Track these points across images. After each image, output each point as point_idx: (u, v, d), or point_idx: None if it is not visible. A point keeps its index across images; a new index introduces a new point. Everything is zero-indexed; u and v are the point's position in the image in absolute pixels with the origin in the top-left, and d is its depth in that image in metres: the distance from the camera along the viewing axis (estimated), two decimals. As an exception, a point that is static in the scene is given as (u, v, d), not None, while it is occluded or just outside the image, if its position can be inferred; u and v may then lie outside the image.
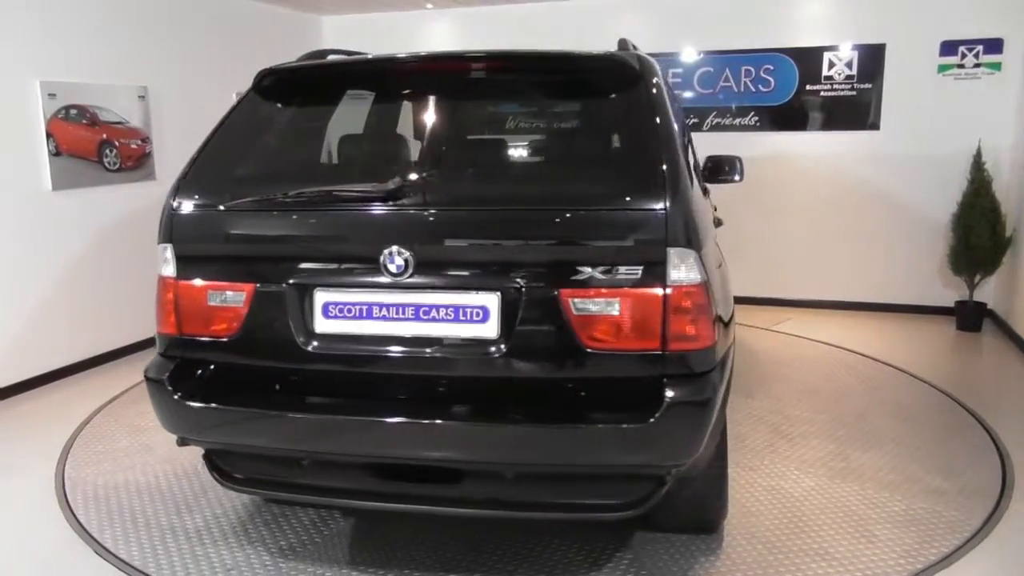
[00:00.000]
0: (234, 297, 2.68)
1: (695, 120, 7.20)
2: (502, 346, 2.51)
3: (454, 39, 7.87)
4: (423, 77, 3.07)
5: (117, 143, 5.70)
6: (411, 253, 2.50)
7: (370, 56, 3.12)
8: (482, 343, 2.53)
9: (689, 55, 7.33)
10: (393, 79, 3.17)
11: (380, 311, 2.59)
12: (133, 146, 5.82)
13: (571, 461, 2.49)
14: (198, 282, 2.72)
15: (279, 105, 3.02)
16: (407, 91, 3.18)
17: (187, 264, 2.75)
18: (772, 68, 7.09)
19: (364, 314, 2.61)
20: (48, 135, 5.18)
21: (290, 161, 3.07)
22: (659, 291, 2.41)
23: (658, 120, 2.62)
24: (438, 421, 2.51)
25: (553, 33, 7.54)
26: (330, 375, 2.70)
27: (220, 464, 2.88)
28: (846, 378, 5.20)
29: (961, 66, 6.52)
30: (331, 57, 3.17)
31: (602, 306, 2.44)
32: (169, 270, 2.76)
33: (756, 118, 7.22)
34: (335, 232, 2.66)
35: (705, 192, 4.09)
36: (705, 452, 2.59)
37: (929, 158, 6.73)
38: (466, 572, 3.04)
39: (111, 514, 3.57)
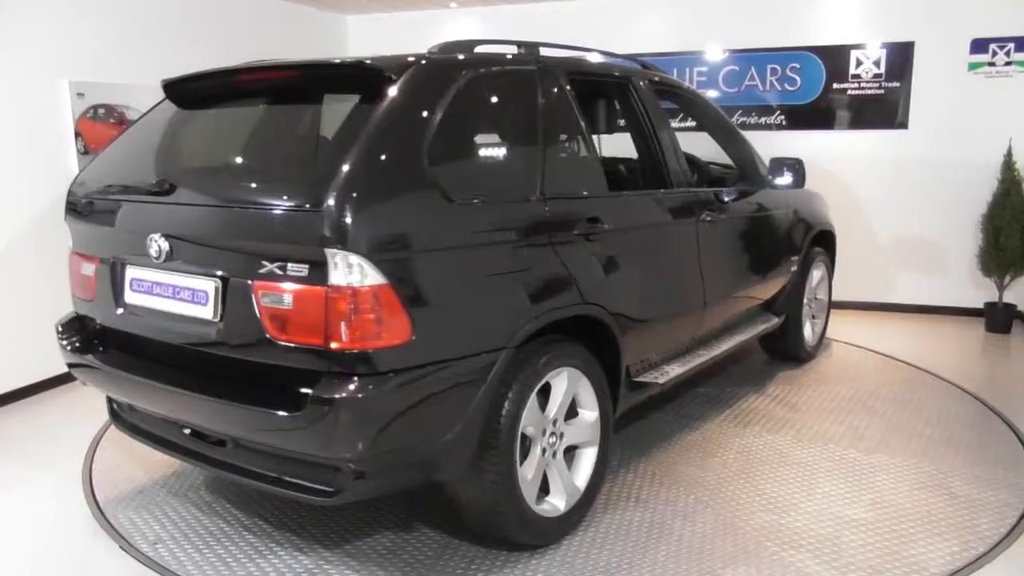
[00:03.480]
0: (88, 268, 3.28)
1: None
2: (215, 328, 2.81)
3: (477, 38, 7.85)
4: (216, 88, 3.34)
5: (144, 142, 5.75)
6: (165, 241, 2.88)
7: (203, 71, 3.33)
8: (204, 323, 2.85)
9: (714, 54, 7.28)
10: (204, 90, 3.39)
11: (155, 288, 3.03)
12: (160, 145, 5.87)
13: (253, 439, 2.81)
14: (77, 254, 3.37)
15: (178, 110, 3.40)
16: (210, 100, 3.41)
17: (75, 239, 3.40)
18: (798, 67, 7.04)
19: (148, 290, 3.06)
20: (77, 134, 5.24)
21: (143, 159, 3.38)
22: (320, 290, 2.52)
23: (373, 124, 2.69)
24: (174, 387, 2.92)
25: (576, 32, 7.51)
26: (131, 337, 3.20)
27: (114, 406, 3.54)
28: (892, 414, 4.57)
29: (992, 64, 6.42)
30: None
31: (280, 300, 2.61)
32: (70, 243, 3.42)
33: (782, 117, 7.16)
34: (127, 220, 3.09)
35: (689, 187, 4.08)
36: (443, 457, 2.79)
37: (958, 157, 6.64)
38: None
39: (138, 511, 3.60)
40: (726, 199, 4.40)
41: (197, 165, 3.28)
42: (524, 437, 3.06)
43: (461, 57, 3.14)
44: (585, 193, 3.42)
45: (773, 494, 3.64)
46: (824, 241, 5.68)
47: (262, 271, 2.62)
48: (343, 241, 2.47)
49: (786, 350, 5.50)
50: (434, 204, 2.73)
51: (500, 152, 3.34)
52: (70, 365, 3.43)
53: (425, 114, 2.81)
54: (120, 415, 3.51)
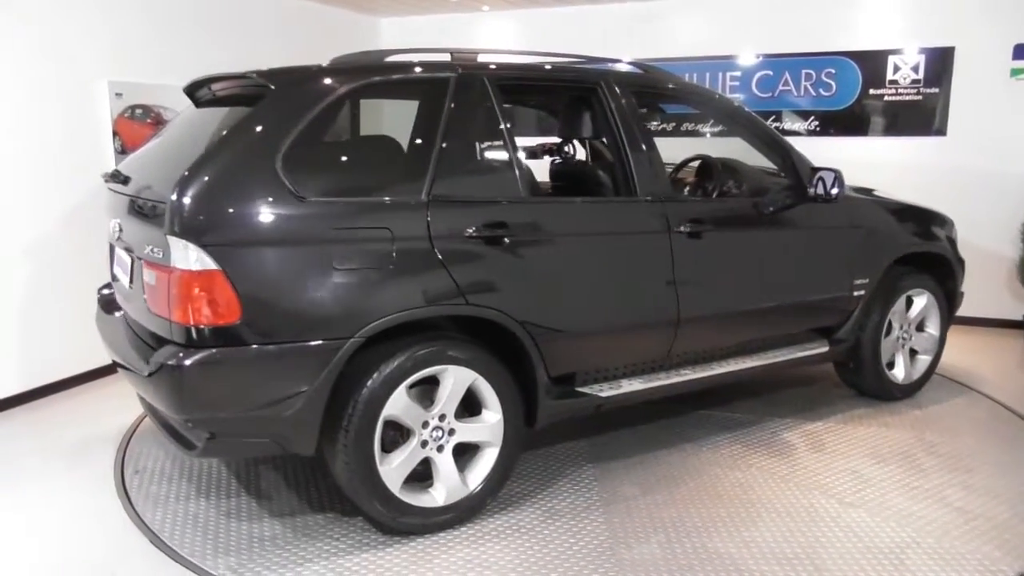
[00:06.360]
0: (107, 246, 3.88)
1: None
2: (131, 295, 3.39)
3: (509, 41, 7.86)
4: (195, 96, 3.80)
5: (180, 142, 5.78)
6: (117, 223, 3.46)
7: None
8: (128, 290, 3.46)
9: (748, 59, 7.22)
10: (193, 97, 3.81)
11: (118, 262, 3.63)
12: (195, 145, 5.90)
13: (142, 393, 3.32)
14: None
15: (196, 111, 3.77)
16: (195, 105, 3.80)
17: None
18: (834, 72, 6.96)
19: (118, 263, 3.65)
20: (114, 133, 5.28)
21: (140, 155, 3.76)
22: (166, 271, 2.94)
23: (228, 130, 3.10)
24: (119, 343, 3.52)
25: (606, 35, 7.50)
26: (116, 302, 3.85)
27: None
28: (933, 471, 4.01)
29: (1035, 70, 6.33)
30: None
31: (150, 277, 3.08)
32: None
33: (816, 122, 7.08)
34: (111, 204, 3.65)
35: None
36: (288, 431, 3.05)
37: (998, 165, 6.54)
38: None
39: (167, 504, 3.63)
40: (739, 210, 4.23)
41: (145, 162, 3.60)
42: (402, 427, 3.28)
43: (344, 68, 3.40)
44: (490, 198, 3.43)
45: (690, 529, 3.42)
46: (936, 266, 5.05)
47: (145, 251, 3.11)
48: (182, 231, 2.86)
49: (863, 385, 4.95)
50: (281, 202, 2.98)
51: (377, 156, 3.57)
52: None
53: (287, 121, 3.09)
54: None
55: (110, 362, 3.70)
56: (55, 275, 5.01)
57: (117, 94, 5.27)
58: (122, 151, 5.30)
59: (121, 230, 3.43)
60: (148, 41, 5.55)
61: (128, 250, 3.40)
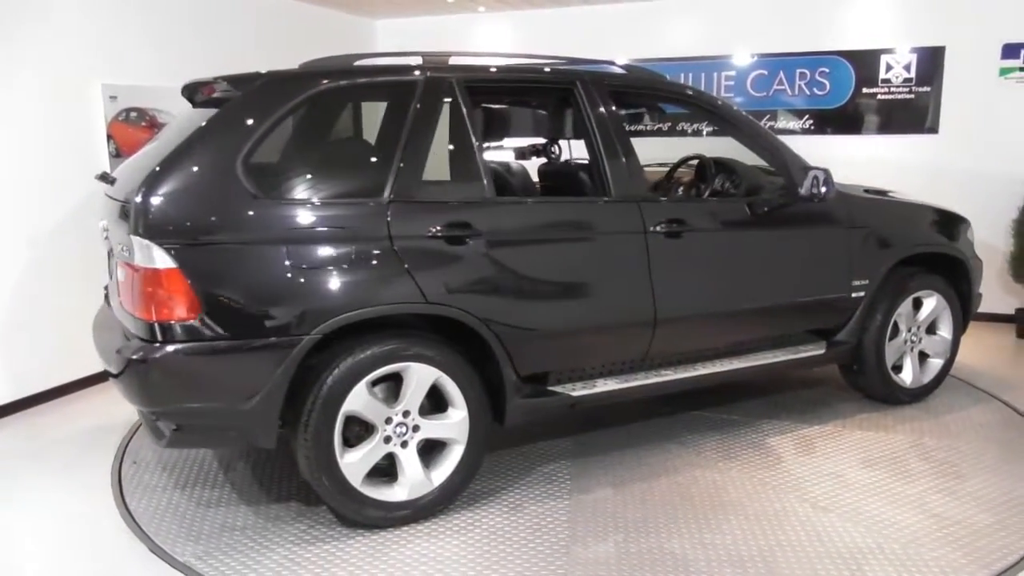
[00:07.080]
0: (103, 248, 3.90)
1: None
2: (114, 292, 3.53)
3: (505, 42, 7.92)
4: (191, 96, 3.86)
5: (175, 144, 5.83)
6: (105, 222, 3.55)
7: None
8: (110, 288, 3.69)
9: (742, 58, 7.25)
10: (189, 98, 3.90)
11: (109, 260, 3.70)
12: (190, 147, 5.94)
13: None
14: None
15: (187, 115, 3.77)
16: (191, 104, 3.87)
17: None
18: (827, 71, 6.98)
19: (109, 263, 3.72)
20: (109, 137, 5.36)
21: (137, 159, 3.75)
22: (131, 269, 3.09)
23: (189, 133, 3.21)
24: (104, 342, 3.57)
25: (602, 36, 7.53)
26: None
27: None
28: (923, 477, 3.87)
29: (1023, 69, 6.32)
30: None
31: (122, 275, 3.23)
32: None
33: (811, 121, 7.11)
34: (102, 206, 3.68)
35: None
36: (248, 424, 3.15)
37: (989, 162, 6.55)
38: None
39: (154, 493, 3.72)
40: (721, 212, 4.16)
41: (132, 164, 3.61)
42: (366, 423, 3.34)
43: (309, 73, 3.47)
44: (454, 199, 3.48)
45: (651, 529, 3.41)
46: (949, 267, 4.89)
47: (118, 251, 3.27)
48: (145, 231, 3.00)
49: (868, 389, 4.81)
50: (242, 203, 3.10)
51: (340, 157, 3.76)
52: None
53: (249, 125, 3.21)
54: None
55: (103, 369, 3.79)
56: (49, 281, 5.06)
57: (111, 97, 5.35)
58: (117, 154, 5.37)
59: (107, 231, 3.54)
60: (143, 44, 5.63)
61: (111, 250, 3.52)
